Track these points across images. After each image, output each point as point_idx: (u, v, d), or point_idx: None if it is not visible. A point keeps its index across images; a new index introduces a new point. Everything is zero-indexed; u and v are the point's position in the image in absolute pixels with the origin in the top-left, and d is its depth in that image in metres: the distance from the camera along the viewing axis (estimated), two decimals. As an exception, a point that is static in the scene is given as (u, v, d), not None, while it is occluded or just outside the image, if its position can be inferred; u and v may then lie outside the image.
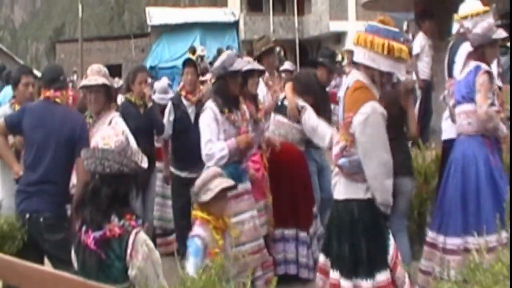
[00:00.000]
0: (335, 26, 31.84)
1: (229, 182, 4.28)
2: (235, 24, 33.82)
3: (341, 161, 3.98)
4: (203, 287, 2.35)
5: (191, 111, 6.45)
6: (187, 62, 6.83)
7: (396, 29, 3.95)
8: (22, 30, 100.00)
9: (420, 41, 9.46)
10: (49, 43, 60.91)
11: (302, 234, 5.74)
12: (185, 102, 6.50)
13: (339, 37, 32.50)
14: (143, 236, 3.09)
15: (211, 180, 4.17)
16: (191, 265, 3.83)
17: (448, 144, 5.48)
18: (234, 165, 5.02)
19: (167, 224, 7.01)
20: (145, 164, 3.28)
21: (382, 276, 3.93)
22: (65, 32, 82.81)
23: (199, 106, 6.09)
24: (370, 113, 3.82)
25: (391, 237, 4.10)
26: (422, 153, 6.51)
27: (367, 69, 3.95)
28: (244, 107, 5.33)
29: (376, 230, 4.02)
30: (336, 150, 4.07)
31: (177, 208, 6.44)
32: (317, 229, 5.92)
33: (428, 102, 9.57)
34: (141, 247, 3.03)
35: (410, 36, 14.15)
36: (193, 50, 19.34)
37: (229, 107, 5.12)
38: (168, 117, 6.50)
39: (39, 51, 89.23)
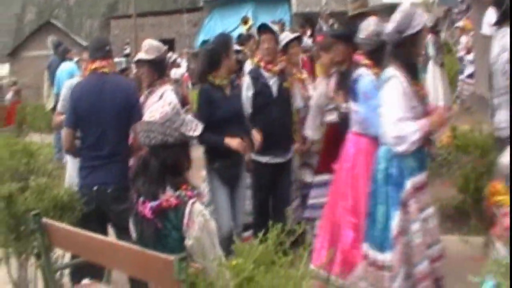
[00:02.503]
0: (389, -2, 31.25)
1: None
2: (287, -3, 33.53)
3: None
4: (260, 257, 2.36)
5: (272, 82, 5.62)
6: (263, 29, 5.77)
7: None
8: (76, 7, 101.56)
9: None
10: (103, 19, 61.60)
11: None
12: (265, 73, 5.64)
13: (392, 9, 31.87)
14: (199, 206, 3.12)
15: None
16: None
17: None
18: (421, 150, 4.17)
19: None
20: (197, 132, 3.31)
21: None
22: (118, 8, 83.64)
23: (281, 76, 5.69)
24: None
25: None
26: (479, 127, 6.35)
27: None
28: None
29: None
30: None
31: (256, 204, 5.70)
32: None
33: None
34: (197, 217, 3.07)
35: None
36: (245, 20, 18.98)
37: (414, 79, 4.18)
38: (246, 93, 5.57)
39: (93, 27, 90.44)
